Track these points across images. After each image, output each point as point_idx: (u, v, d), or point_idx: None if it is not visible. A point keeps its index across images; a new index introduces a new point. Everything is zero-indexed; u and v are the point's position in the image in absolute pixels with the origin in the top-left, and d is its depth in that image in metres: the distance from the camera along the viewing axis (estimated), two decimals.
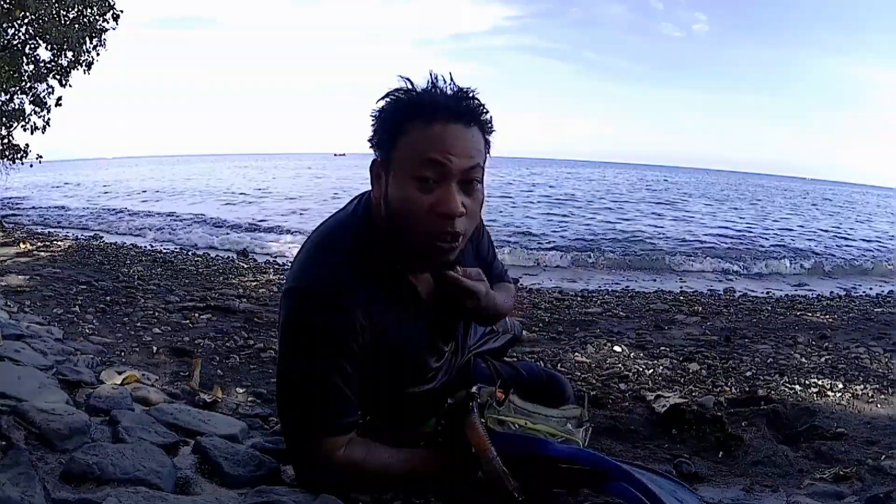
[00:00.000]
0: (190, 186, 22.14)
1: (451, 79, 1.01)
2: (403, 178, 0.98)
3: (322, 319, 1.00)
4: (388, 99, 1.02)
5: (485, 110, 1.02)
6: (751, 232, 13.36)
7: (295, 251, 1.19)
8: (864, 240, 13.55)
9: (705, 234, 12.34)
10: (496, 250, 1.39)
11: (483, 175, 1.03)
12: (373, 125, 1.04)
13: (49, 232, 8.92)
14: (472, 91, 1.01)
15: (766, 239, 12.25)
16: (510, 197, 18.73)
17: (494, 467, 1.00)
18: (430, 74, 1.01)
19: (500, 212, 13.39)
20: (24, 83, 9.12)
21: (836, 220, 18.17)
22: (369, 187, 1.09)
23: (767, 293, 6.42)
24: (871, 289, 7.31)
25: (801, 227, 15.33)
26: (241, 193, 19.16)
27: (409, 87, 1.01)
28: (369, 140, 1.05)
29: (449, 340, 1.22)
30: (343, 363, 1.02)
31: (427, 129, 0.97)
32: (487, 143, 1.04)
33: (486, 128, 1.03)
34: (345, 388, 1.03)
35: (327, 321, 1.00)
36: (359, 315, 1.01)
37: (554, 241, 10.46)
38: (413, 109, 0.99)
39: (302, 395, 1.04)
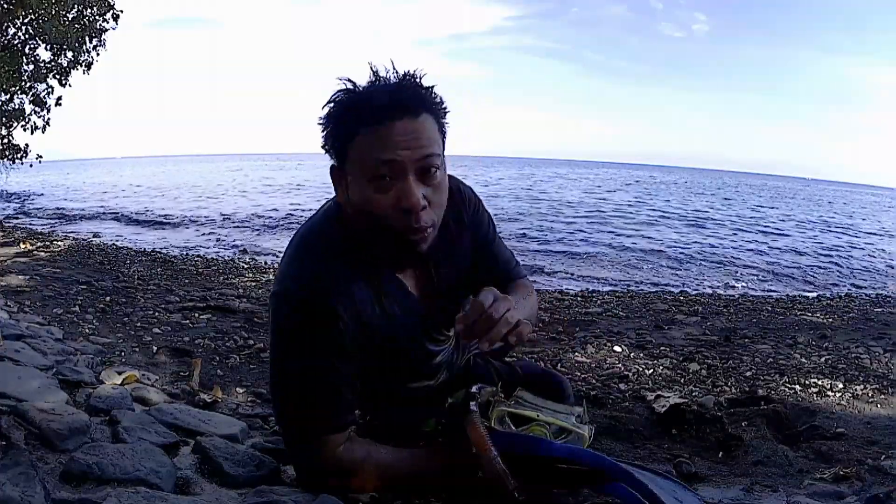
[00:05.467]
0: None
1: (393, 66, 0.99)
2: (360, 182, 0.98)
3: (309, 320, 1.00)
4: (331, 105, 1.00)
5: (432, 95, 1.00)
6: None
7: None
8: None
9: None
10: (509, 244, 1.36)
11: (442, 160, 1.01)
12: (322, 132, 1.02)
13: (49, 232, 8.92)
14: (416, 77, 0.99)
15: None
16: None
17: (494, 467, 1.00)
18: (371, 68, 0.99)
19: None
20: (24, 83, 9.12)
21: None
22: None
23: (767, 294, 6.42)
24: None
25: None
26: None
27: (350, 87, 0.99)
28: (322, 147, 1.03)
29: (446, 327, 1.21)
30: (334, 362, 1.02)
31: (373, 132, 0.95)
32: (442, 126, 1.02)
33: (436, 112, 1.01)
34: (339, 386, 1.03)
35: (314, 322, 1.00)
36: (345, 314, 1.01)
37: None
38: (356, 115, 0.97)
39: (296, 395, 1.05)
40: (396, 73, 0.99)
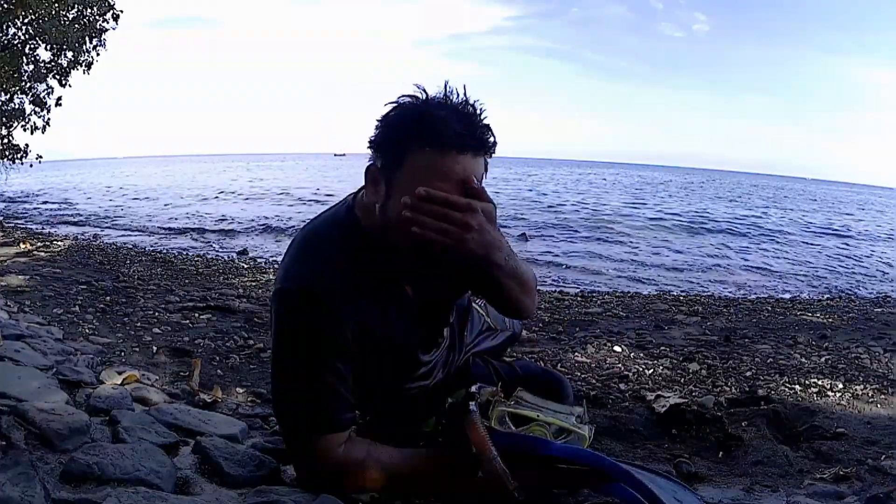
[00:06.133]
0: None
1: (465, 93, 1.00)
2: (407, 192, 0.97)
3: (310, 318, 1.01)
4: (399, 109, 1.01)
5: (494, 138, 1.02)
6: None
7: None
8: None
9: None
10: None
11: None
12: (379, 130, 1.02)
13: (49, 232, 8.92)
14: (483, 113, 1.00)
15: None
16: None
17: (494, 467, 1.00)
18: (445, 87, 1.00)
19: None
20: (24, 83, 9.12)
21: None
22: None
23: (768, 294, 6.42)
24: None
25: None
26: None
27: (422, 98, 1.00)
28: (371, 143, 1.03)
29: (439, 333, 1.22)
30: (334, 361, 1.03)
31: (438, 157, 0.96)
32: (486, 164, 1.04)
33: (490, 152, 1.03)
34: (338, 385, 1.04)
35: (316, 320, 1.01)
36: (346, 313, 1.02)
37: None
38: (426, 133, 0.97)
39: (295, 393, 1.05)
40: (466, 100, 1.00)
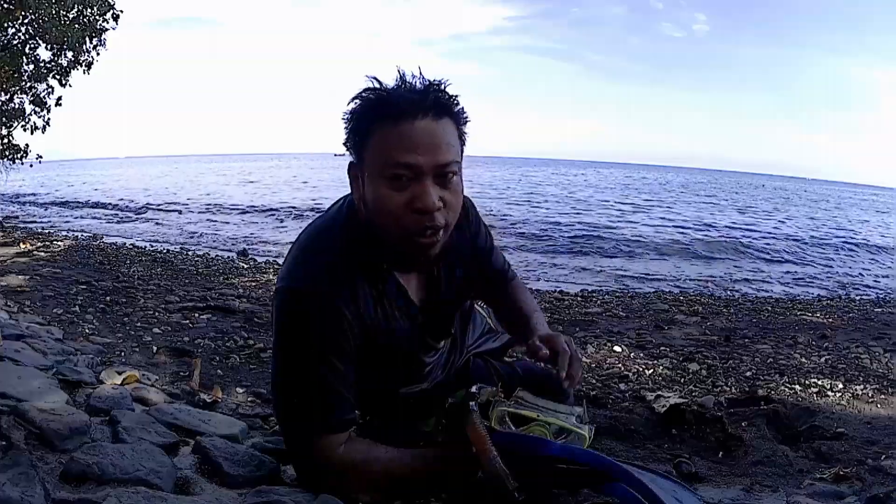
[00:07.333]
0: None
1: (420, 73, 1.00)
2: (377, 178, 0.98)
3: (312, 318, 1.01)
4: (356, 101, 1.01)
5: (455, 101, 1.01)
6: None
7: None
8: None
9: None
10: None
11: (459, 166, 1.02)
12: (345, 128, 1.03)
13: (49, 232, 8.92)
14: (442, 83, 1.00)
15: None
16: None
17: (494, 467, 1.00)
18: (399, 71, 1.00)
19: None
20: (24, 83, 9.11)
21: None
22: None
23: (768, 294, 6.41)
24: None
25: None
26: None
27: (377, 86, 1.00)
28: (343, 143, 1.04)
29: (441, 338, 1.22)
30: (335, 361, 1.02)
31: (395, 128, 0.96)
32: (462, 133, 1.03)
33: (458, 119, 1.02)
34: (339, 385, 1.03)
35: (317, 320, 1.01)
36: (348, 314, 1.02)
37: None
38: (380, 110, 0.97)
39: (296, 393, 1.05)
40: (423, 78, 1.00)
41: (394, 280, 1.10)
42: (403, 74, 1.00)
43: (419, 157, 0.95)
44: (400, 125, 0.95)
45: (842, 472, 1.52)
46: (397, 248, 1.03)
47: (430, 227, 0.98)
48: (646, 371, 2.56)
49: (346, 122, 1.03)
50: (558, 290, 5.70)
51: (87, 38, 8.93)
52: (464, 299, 1.30)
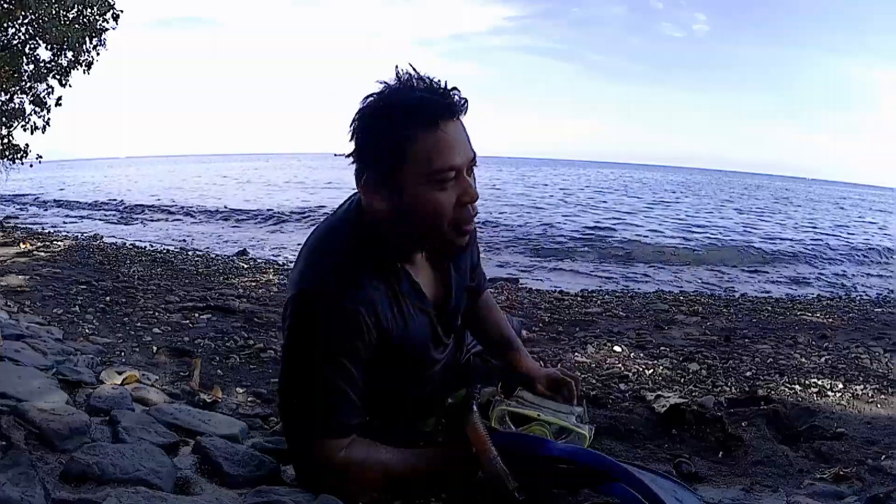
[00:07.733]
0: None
1: (415, 70, 1.01)
2: (422, 185, 0.99)
3: (319, 319, 1.00)
4: (383, 109, 1.00)
5: (464, 98, 1.04)
6: None
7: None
8: None
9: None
10: None
11: None
12: (365, 140, 1.02)
13: (49, 232, 8.92)
14: (445, 81, 1.02)
15: None
16: None
17: (494, 467, 1.00)
18: (399, 71, 1.01)
19: None
20: (24, 83, 9.11)
21: None
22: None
23: (768, 294, 6.41)
24: None
25: None
26: None
27: (394, 88, 1.00)
28: (356, 155, 1.03)
29: (450, 332, 1.23)
30: (347, 365, 1.02)
31: (435, 134, 0.98)
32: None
33: (465, 111, 1.05)
34: (348, 390, 1.03)
35: (324, 321, 1.00)
36: (364, 315, 1.01)
37: None
38: (417, 117, 0.98)
39: (305, 396, 1.04)
40: (427, 76, 1.01)
41: (408, 278, 1.10)
42: (408, 76, 1.01)
43: (458, 158, 1.01)
44: (439, 130, 0.99)
45: (842, 472, 1.52)
46: (437, 244, 1.07)
47: (472, 217, 1.05)
48: (646, 371, 2.56)
49: (369, 130, 1.02)
50: (558, 290, 5.69)
51: (87, 38, 8.92)
52: (465, 299, 1.30)
